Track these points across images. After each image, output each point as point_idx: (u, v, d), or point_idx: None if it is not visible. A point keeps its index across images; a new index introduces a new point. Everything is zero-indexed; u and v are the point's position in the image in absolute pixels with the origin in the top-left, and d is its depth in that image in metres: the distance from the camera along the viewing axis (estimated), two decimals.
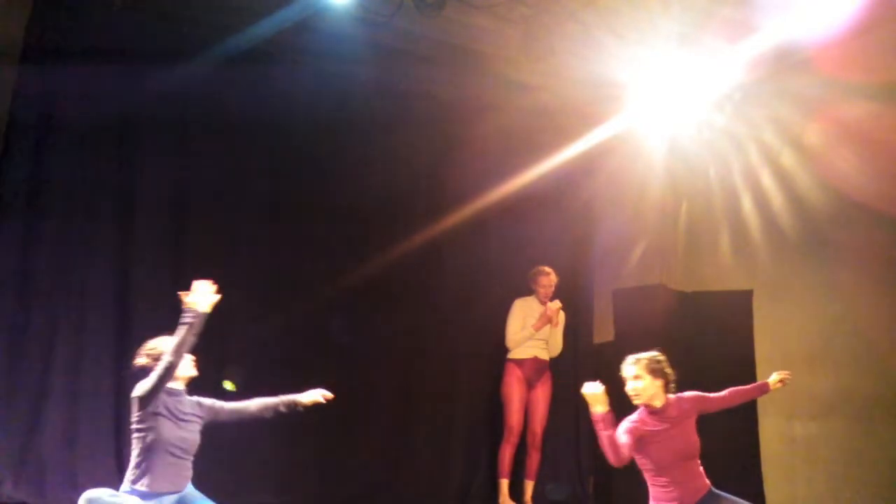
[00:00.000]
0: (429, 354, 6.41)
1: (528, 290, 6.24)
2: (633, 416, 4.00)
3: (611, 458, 3.82)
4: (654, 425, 3.92)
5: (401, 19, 5.49)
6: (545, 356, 6.09)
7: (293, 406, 4.04)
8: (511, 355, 6.07)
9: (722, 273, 6.66)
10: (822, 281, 5.93)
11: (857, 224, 5.72)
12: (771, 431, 6.20)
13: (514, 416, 5.96)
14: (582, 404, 6.78)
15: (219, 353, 5.31)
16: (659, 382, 3.97)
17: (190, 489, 3.84)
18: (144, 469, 3.67)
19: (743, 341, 6.38)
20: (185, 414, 3.80)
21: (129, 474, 3.70)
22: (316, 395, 4.08)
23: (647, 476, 3.97)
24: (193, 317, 3.60)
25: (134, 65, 5.44)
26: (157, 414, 3.68)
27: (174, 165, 5.63)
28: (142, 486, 3.65)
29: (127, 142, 5.47)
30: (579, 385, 6.91)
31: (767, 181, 6.33)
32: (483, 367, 6.53)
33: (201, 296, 3.62)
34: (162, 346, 3.71)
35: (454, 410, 6.47)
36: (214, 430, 4.06)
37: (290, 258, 5.97)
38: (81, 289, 5.24)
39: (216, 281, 3.69)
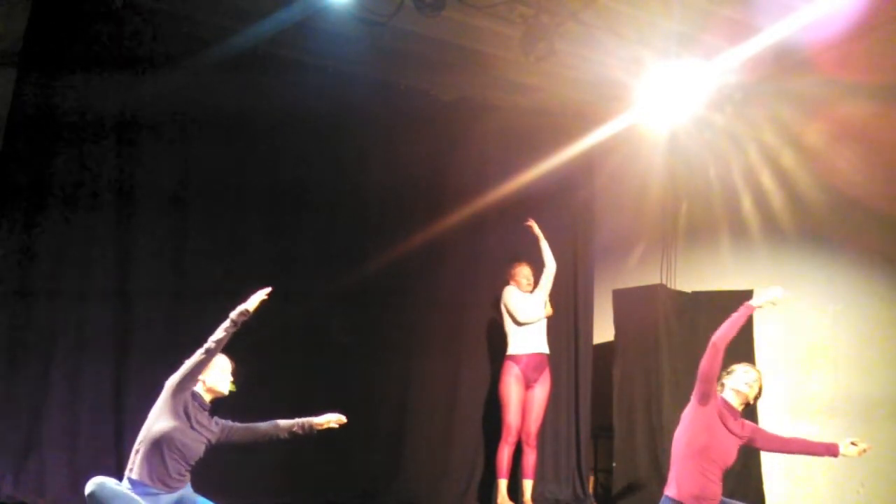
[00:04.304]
0: (428, 353, 6.41)
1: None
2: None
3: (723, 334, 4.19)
4: (725, 416, 4.12)
5: (401, 19, 5.49)
6: (545, 350, 6.05)
7: (308, 429, 4.07)
8: (510, 351, 6.03)
9: (722, 273, 6.66)
10: (821, 280, 5.93)
11: (857, 224, 5.73)
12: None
13: (512, 416, 5.93)
14: (582, 404, 6.89)
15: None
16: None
17: (189, 490, 3.83)
18: (141, 458, 3.69)
19: (743, 341, 6.38)
20: (199, 424, 3.82)
21: (130, 462, 3.73)
22: (331, 418, 4.10)
23: (677, 454, 4.07)
24: (242, 314, 3.81)
25: (134, 65, 5.44)
26: (176, 411, 3.72)
27: (174, 166, 5.62)
28: (135, 474, 3.68)
29: (127, 142, 5.45)
30: (579, 385, 7.04)
31: (767, 181, 6.34)
32: (482, 366, 6.54)
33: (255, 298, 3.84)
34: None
35: (453, 410, 6.46)
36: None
37: (290, 258, 5.96)
38: (81, 290, 5.22)
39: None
